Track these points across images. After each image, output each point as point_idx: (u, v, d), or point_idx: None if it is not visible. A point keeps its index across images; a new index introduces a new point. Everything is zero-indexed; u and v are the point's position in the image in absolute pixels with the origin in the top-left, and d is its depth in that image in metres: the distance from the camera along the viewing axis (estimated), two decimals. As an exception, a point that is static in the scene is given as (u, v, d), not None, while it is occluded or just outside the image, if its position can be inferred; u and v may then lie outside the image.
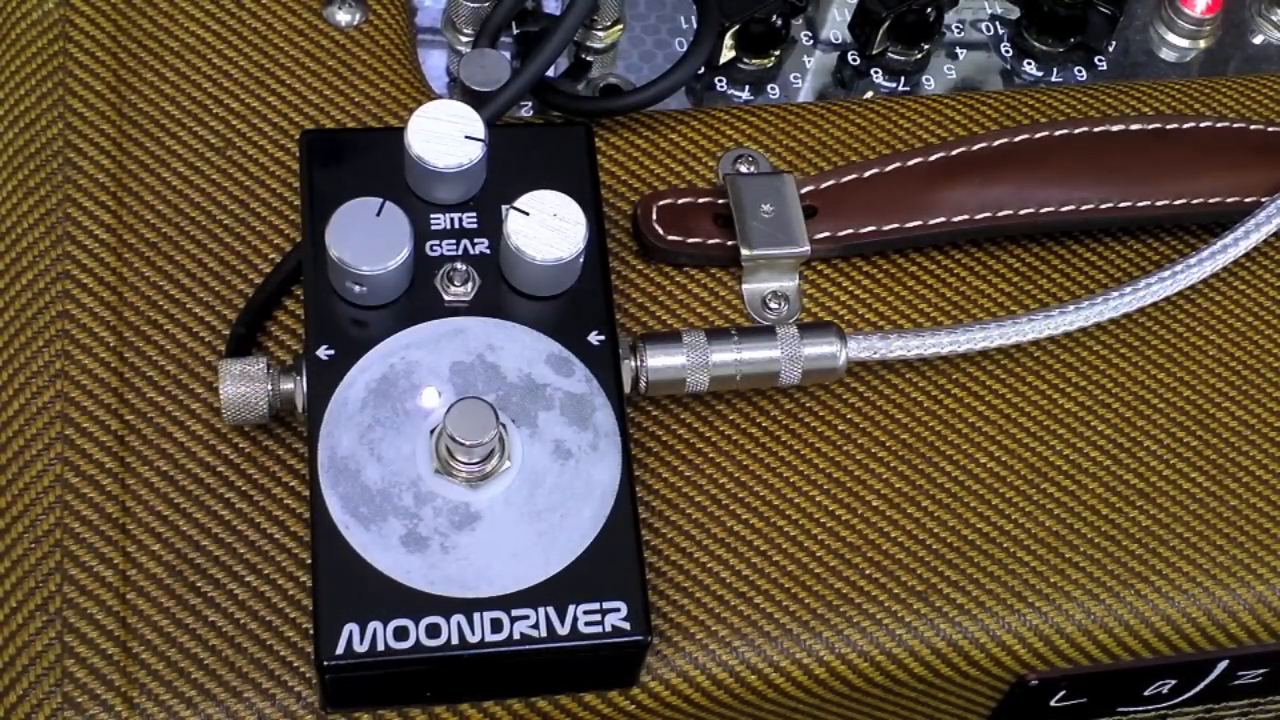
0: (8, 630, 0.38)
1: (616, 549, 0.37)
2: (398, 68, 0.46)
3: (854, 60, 0.52)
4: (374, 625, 0.35)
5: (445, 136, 0.39)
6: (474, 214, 0.40)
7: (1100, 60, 0.54)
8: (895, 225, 0.45)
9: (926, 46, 0.52)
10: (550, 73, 0.47)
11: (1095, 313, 0.44)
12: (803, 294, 0.44)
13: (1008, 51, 0.53)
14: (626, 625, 0.36)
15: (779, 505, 0.42)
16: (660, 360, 0.40)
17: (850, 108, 0.48)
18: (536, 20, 0.49)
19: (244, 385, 0.38)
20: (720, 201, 0.45)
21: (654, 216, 0.44)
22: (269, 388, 0.38)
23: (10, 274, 0.41)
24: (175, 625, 0.38)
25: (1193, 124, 0.48)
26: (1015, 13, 0.54)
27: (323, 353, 0.38)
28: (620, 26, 0.50)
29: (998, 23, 0.54)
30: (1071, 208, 0.46)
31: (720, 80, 0.51)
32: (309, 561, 0.38)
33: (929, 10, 0.50)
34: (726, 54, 0.50)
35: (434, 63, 0.49)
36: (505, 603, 0.36)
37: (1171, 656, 0.42)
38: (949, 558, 0.42)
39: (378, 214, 0.37)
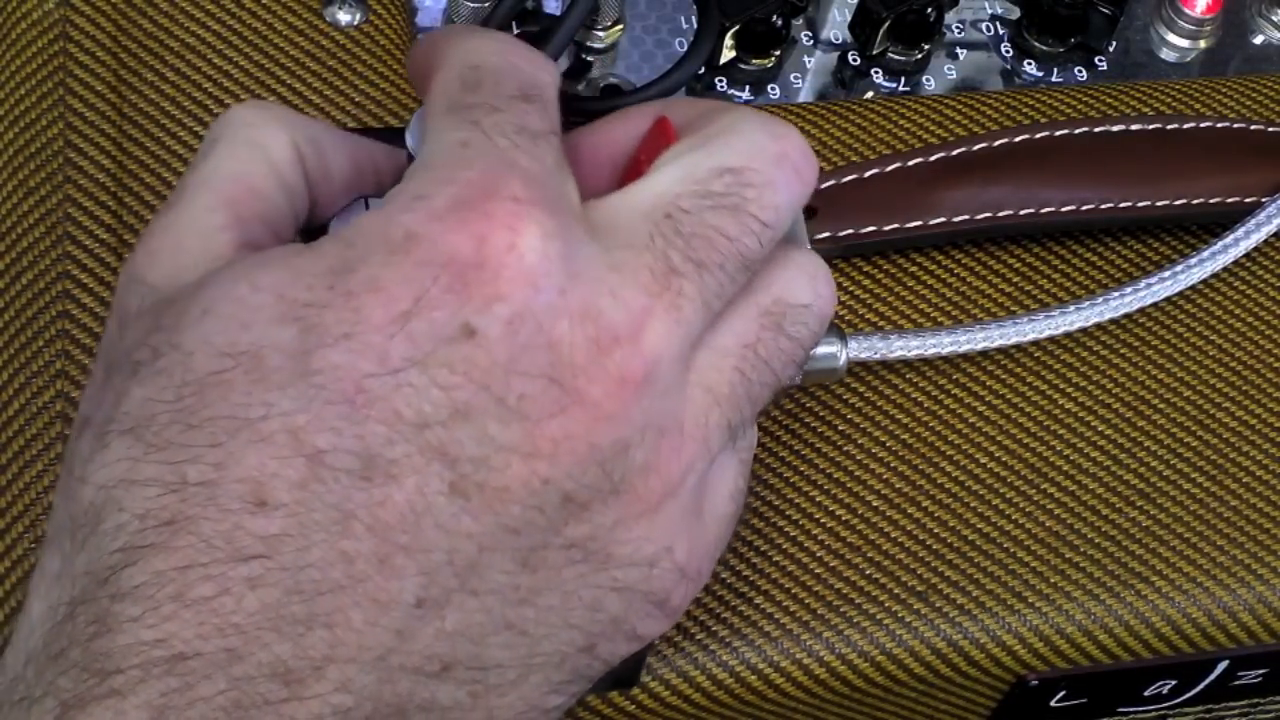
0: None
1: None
2: (398, 68, 0.46)
3: (854, 60, 0.52)
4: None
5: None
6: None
7: (1100, 60, 0.54)
8: (895, 225, 0.45)
9: (926, 46, 0.52)
10: (550, 73, 0.47)
11: (1095, 313, 0.44)
12: (803, 294, 0.44)
13: (1008, 51, 0.53)
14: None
15: (779, 505, 0.42)
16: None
17: (850, 108, 0.48)
18: (536, 20, 0.49)
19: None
20: (720, 201, 0.45)
21: (654, 216, 0.44)
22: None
23: (10, 274, 0.41)
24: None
25: (1193, 124, 0.48)
26: (1015, 13, 0.54)
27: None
28: (620, 26, 0.50)
29: (998, 23, 0.54)
30: (1071, 208, 0.46)
31: (720, 80, 0.51)
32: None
33: (929, 10, 0.50)
34: (726, 54, 0.50)
35: (434, 63, 0.49)
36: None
37: (1171, 656, 0.42)
38: (949, 558, 0.42)
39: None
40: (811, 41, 0.52)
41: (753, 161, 0.31)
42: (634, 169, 0.33)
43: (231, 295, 0.29)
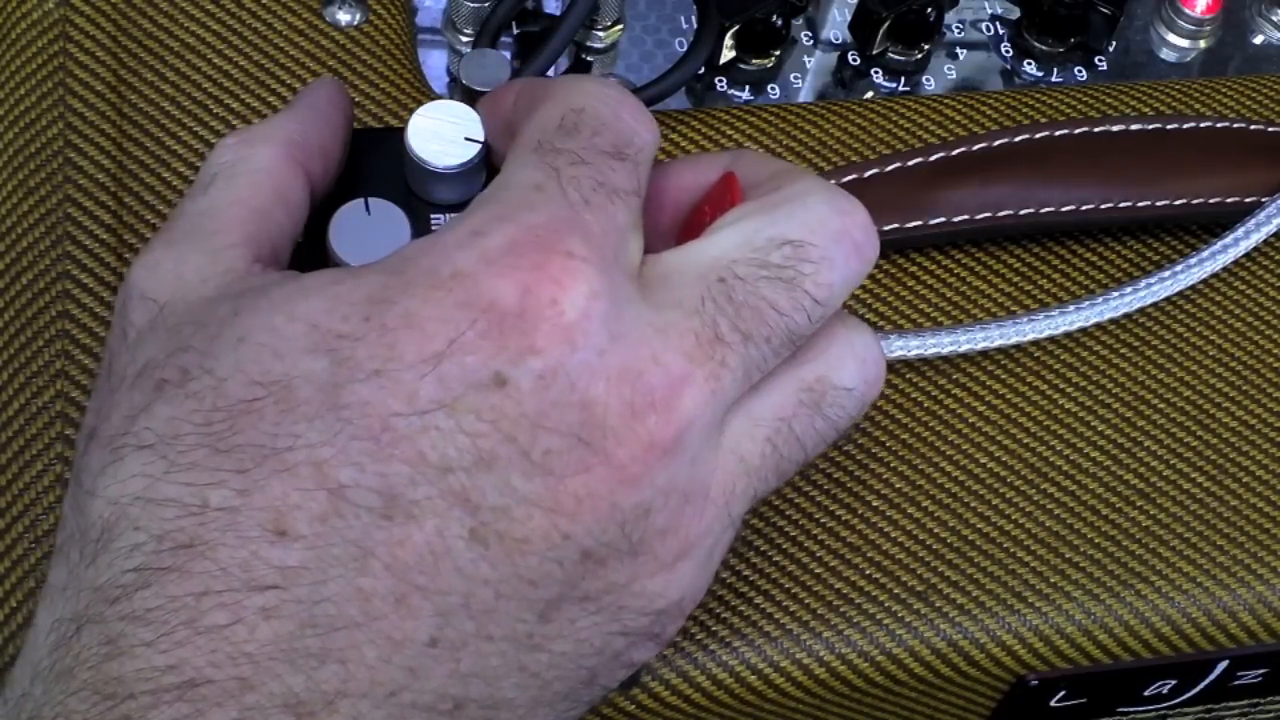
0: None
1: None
2: (398, 68, 0.46)
3: (854, 60, 0.52)
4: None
5: (445, 137, 0.39)
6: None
7: (1100, 60, 0.54)
8: (895, 225, 0.45)
9: (926, 46, 0.52)
10: (551, 73, 0.47)
11: (1095, 313, 0.44)
12: (803, 294, 0.44)
13: (1008, 51, 0.53)
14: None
15: (779, 505, 0.42)
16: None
17: (850, 108, 0.48)
18: (536, 20, 0.49)
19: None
20: (720, 201, 0.45)
21: (654, 216, 0.44)
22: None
23: (10, 274, 0.41)
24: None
25: (1193, 124, 0.48)
26: (1015, 13, 0.54)
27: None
28: (620, 26, 0.50)
29: (998, 23, 0.54)
30: (1071, 208, 0.46)
31: (720, 80, 0.51)
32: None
33: (929, 10, 0.50)
34: (726, 54, 0.50)
35: (434, 63, 0.49)
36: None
37: (1171, 656, 0.42)
38: (949, 558, 0.42)
39: (368, 213, 0.37)
40: (811, 41, 0.52)
41: (813, 236, 0.31)
42: (697, 219, 0.33)
43: (268, 325, 0.29)
